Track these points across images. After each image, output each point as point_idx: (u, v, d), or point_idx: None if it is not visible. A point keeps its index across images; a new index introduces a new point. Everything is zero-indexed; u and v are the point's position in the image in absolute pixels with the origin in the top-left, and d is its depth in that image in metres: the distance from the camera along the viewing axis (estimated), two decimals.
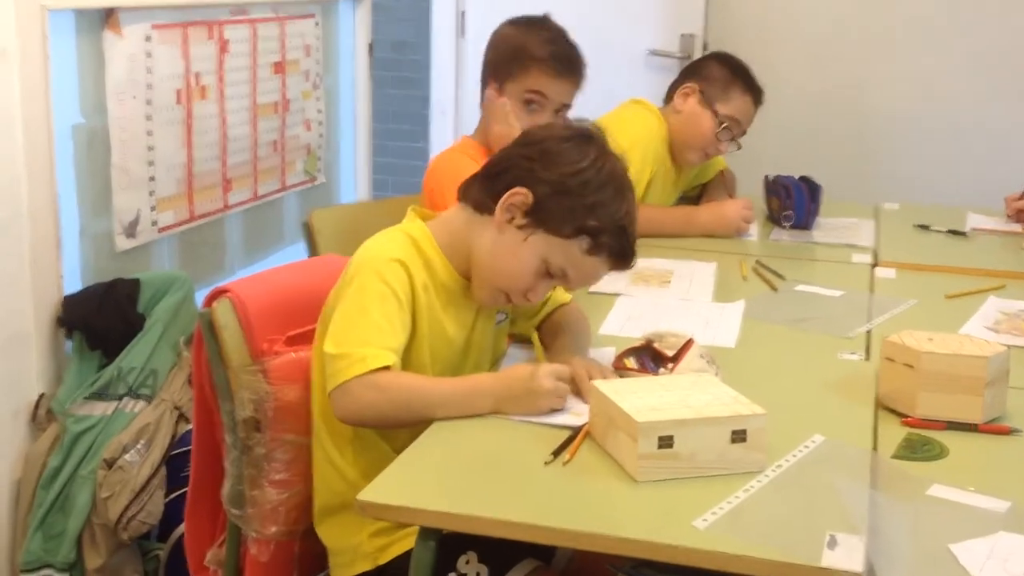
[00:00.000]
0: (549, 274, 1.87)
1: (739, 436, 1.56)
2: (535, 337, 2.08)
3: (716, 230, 3.01)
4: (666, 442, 1.53)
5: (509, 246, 1.84)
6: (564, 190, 1.83)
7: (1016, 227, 3.18)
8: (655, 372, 1.89)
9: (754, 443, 1.57)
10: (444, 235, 1.90)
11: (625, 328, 2.24)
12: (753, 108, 3.09)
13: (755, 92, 3.08)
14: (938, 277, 2.70)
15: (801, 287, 2.58)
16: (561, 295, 2.10)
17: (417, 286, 1.83)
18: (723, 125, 3.01)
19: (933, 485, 1.58)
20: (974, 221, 3.23)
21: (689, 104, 3.04)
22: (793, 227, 3.10)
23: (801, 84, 4.46)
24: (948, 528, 1.46)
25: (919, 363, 1.79)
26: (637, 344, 1.98)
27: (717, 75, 3.06)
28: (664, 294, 2.51)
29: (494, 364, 2.01)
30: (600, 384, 1.69)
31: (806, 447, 1.66)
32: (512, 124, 2.49)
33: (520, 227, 1.84)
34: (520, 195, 1.83)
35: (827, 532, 1.40)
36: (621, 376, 1.87)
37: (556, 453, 1.62)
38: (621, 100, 3.18)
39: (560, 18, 2.70)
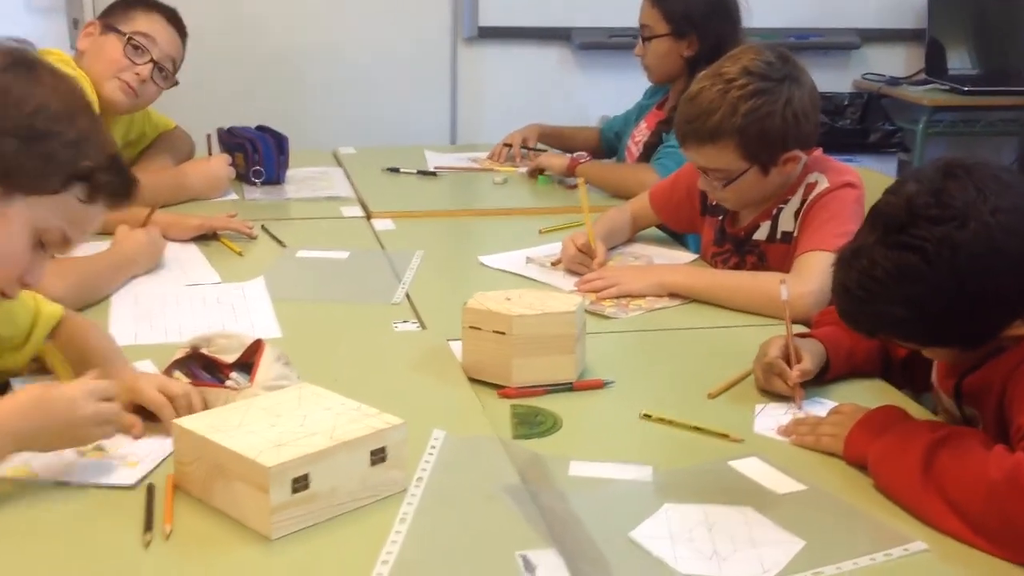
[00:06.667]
0: (44, 244, 1.45)
1: (379, 456, 1.31)
2: (53, 358, 1.63)
3: (208, 192, 2.68)
4: (301, 484, 1.24)
5: None
6: (35, 136, 1.40)
7: (473, 164, 3.18)
8: (220, 385, 1.55)
9: (394, 460, 1.33)
10: None
11: (140, 334, 1.85)
12: (168, 27, 2.64)
13: (163, 10, 2.65)
14: (435, 223, 2.61)
15: (304, 253, 2.34)
16: (47, 306, 1.67)
17: None
18: (130, 41, 2.55)
19: (571, 463, 1.46)
20: (435, 160, 3.18)
21: (91, 38, 2.59)
22: (264, 183, 2.83)
23: (219, 27, 4.14)
24: (617, 512, 1.34)
25: (511, 328, 1.65)
26: (181, 354, 1.63)
27: (117, 4, 2.65)
28: (161, 281, 2.13)
29: None
30: (185, 422, 1.33)
31: (433, 448, 1.45)
32: None
33: None
34: None
35: (515, 552, 1.22)
36: None
37: (149, 526, 1.25)
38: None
39: None
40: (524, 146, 3.22)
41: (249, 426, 1.30)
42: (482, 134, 4.40)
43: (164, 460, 1.39)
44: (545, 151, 3.19)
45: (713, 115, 2.07)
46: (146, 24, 2.59)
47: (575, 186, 2.93)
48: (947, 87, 4.59)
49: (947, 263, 1.34)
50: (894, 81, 4.74)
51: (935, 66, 4.74)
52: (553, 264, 2.27)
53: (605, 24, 4.49)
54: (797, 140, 2.11)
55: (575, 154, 3.02)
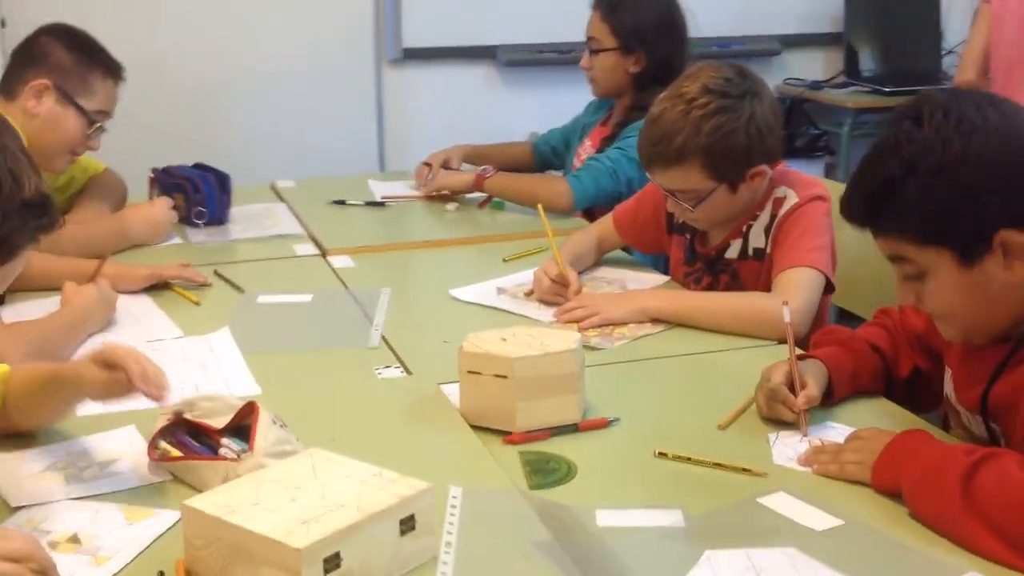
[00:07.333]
0: None
1: (408, 525, 1.23)
2: None
3: (150, 237, 2.57)
4: (333, 563, 1.15)
5: None
6: None
7: (418, 192, 3.09)
8: (212, 455, 1.45)
9: (423, 528, 1.25)
10: None
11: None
12: (116, 89, 2.59)
13: (115, 72, 2.58)
14: (395, 257, 2.53)
15: (265, 298, 2.23)
16: None
17: None
18: (95, 124, 2.50)
19: (597, 512, 1.39)
20: (380, 189, 3.09)
21: (46, 105, 2.44)
22: (207, 224, 2.72)
23: (132, 63, 4.00)
24: (658, 563, 1.28)
25: (513, 371, 1.58)
26: (164, 421, 1.53)
27: (67, 62, 2.48)
28: (119, 337, 2.01)
29: None
30: (196, 503, 1.23)
31: (454, 508, 1.37)
32: None
33: None
34: None
35: None
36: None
37: None
38: None
39: None
40: (447, 167, 3.15)
41: (267, 503, 1.21)
42: (411, 158, 4.30)
43: (142, 553, 1.29)
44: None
45: (677, 136, 2.04)
46: (104, 97, 2.51)
47: (484, 203, 2.89)
48: (868, 89, 4.64)
49: (937, 123, 1.38)
50: (815, 85, 4.78)
51: (853, 69, 4.80)
52: (527, 295, 2.21)
53: (530, 40, 4.46)
54: (762, 155, 2.09)
55: (480, 169, 2.95)
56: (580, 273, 2.29)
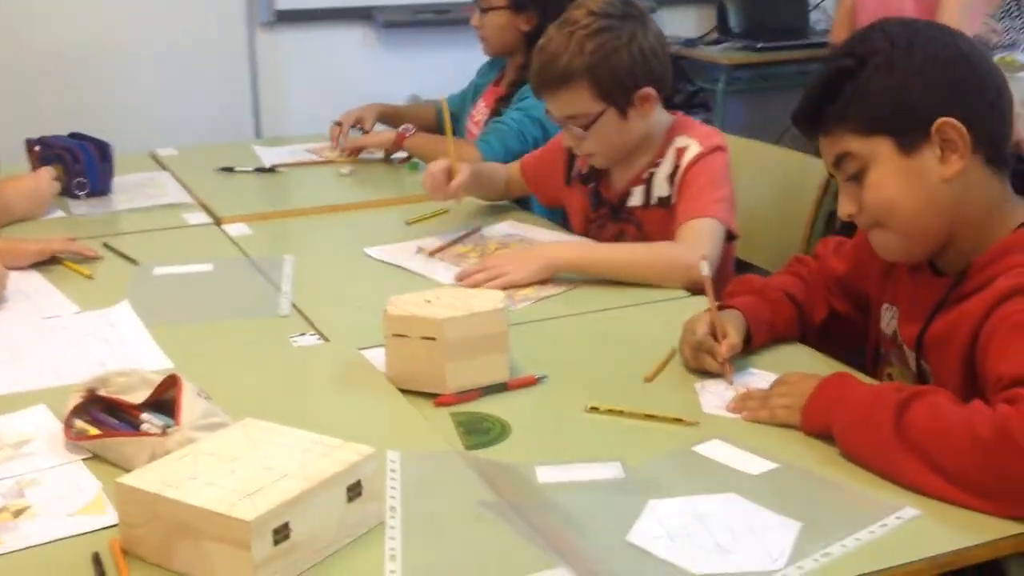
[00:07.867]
0: None
1: (355, 491, 1.20)
2: None
3: (32, 211, 2.46)
4: (282, 534, 1.12)
5: None
6: None
7: (313, 156, 3.02)
8: (136, 431, 1.39)
9: (370, 493, 1.22)
10: None
11: (17, 380, 1.64)
12: None
13: None
14: (293, 223, 2.47)
15: (162, 269, 2.15)
16: None
17: None
18: None
19: (536, 469, 1.38)
20: (268, 156, 3.01)
21: None
22: (89, 195, 2.60)
23: None
24: (603, 516, 1.27)
25: (442, 333, 1.55)
26: (77, 399, 1.46)
27: None
28: (12, 316, 1.91)
29: None
30: (131, 480, 1.18)
31: (394, 472, 1.35)
32: None
33: None
34: None
35: None
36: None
37: None
38: None
39: None
40: (360, 127, 3.10)
41: (205, 476, 1.16)
42: (288, 124, 4.23)
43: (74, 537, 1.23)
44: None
45: (562, 57, 2.10)
46: None
47: (403, 162, 2.88)
48: (740, 45, 4.71)
49: (888, 31, 1.48)
50: (690, 42, 4.83)
51: (725, 26, 4.87)
52: (430, 254, 2.18)
53: (408, 1, 4.40)
54: (648, 78, 2.12)
55: (401, 127, 2.93)
56: (480, 194, 2.44)
